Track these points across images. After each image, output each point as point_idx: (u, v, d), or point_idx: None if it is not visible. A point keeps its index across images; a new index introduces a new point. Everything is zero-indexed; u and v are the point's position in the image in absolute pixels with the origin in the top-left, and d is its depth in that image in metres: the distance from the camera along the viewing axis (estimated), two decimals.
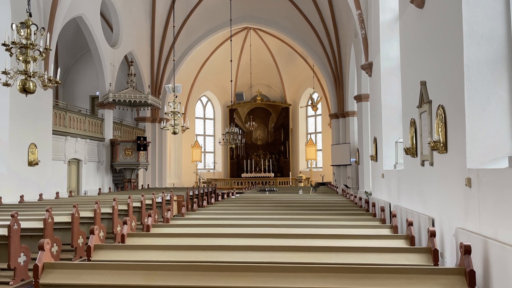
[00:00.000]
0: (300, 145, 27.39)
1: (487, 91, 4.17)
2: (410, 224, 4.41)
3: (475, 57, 4.22)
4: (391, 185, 8.12)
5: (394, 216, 5.13)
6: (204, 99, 28.09)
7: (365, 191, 12.64)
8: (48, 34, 7.14)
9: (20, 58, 6.59)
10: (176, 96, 14.82)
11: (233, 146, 20.64)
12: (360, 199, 8.21)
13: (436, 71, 5.14)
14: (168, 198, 11.45)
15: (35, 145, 11.99)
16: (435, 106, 5.08)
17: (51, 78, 7.31)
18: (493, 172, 3.71)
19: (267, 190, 14.78)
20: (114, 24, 18.05)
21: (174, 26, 16.86)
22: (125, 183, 17.34)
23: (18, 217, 5.95)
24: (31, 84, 6.78)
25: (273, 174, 25.72)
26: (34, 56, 6.64)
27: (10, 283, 5.55)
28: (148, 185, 19.36)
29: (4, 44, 6.51)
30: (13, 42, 6.44)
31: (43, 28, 7.14)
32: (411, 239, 4.26)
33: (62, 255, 6.61)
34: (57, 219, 7.15)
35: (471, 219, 4.13)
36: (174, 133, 14.81)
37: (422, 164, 5.72)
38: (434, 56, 5.22)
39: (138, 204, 9.78)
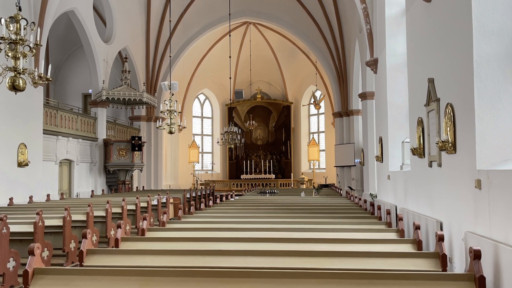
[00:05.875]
0: (302, 145, 27.14)
1: (498, 89, 4.12)
2: (417, 227, 4.39)
3: (485, 53, 4.17)
4: (397, 187, 8.08)
5: (401, 219, 5.17)
6: (202, 97, 27.89)
7: (370, 193, 12.54)
8: (39, 29, 6.97)
9: (9, 54, 6.46)
10: (173, 94, 14.60)
11: (232, 146, 20.55)
12: (365, 201, 8.21)
13: (444, 67, 5.08)
14: (164, 200, 11.40)
15: (25, 145, 11.78)
16: (444, 104, 5.02)
17: (42, 75, 7.17)
18: (504, 173, 3.65)
19: (268, 192, 14.77)
20: (108, 18, 17.85)
21: (170, 21, 16.63)
22: (119, 185, 17.15)
23: (7, 221, 5.88)
24: (20, 81, 6.65)
25: (273, 175, 25.47)
26: (24, 52, 6.52)
27: None
28: (143, 187, 19.20)
29: None
30: (1, 38, 6.31)
31: (33, 22, 6.98)
32: (418, 243, 4.25)
33: (53, 260, 6.54)
34: (48, 222, 7.05)
35: (481, 223, 4.08)
36: (171, 132, 14.62)
37: (430, 165, 5.68)
38: (442, 52, 5.17)
39: (133, 207, 9.66)
